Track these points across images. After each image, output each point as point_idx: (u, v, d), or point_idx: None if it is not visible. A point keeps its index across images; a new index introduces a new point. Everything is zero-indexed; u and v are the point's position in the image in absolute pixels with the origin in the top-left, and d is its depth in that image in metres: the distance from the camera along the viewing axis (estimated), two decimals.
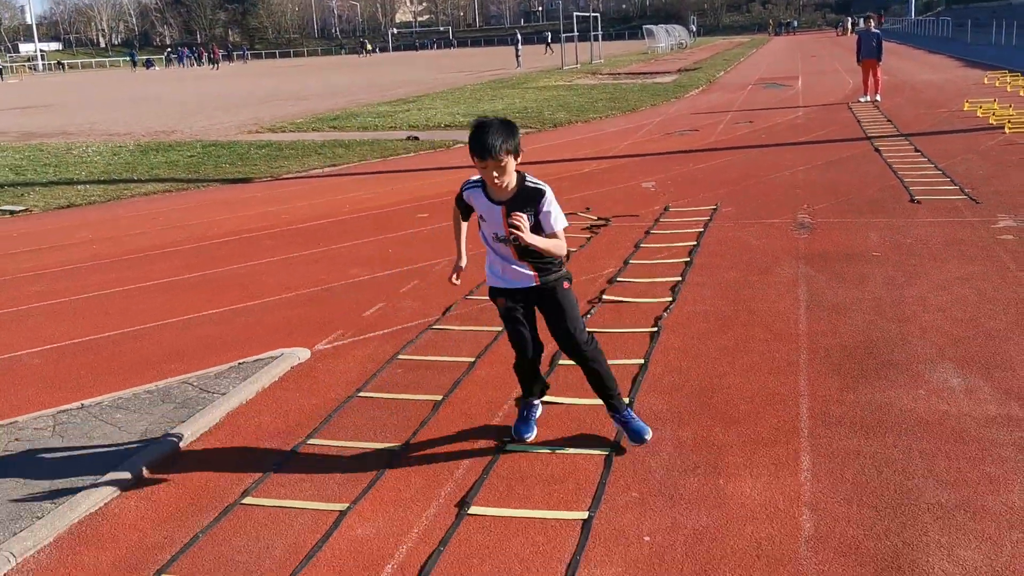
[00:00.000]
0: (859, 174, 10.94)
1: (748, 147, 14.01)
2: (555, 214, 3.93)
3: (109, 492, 3.97)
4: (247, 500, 3.92)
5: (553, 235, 3.95)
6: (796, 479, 3.85)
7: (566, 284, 4.11)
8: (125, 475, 4.10)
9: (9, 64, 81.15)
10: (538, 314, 4.20)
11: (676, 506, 3.69)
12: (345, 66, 65.36)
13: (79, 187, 13.35)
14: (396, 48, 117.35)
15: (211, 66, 78.63)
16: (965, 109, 17.13)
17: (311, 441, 4.46)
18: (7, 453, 4.39)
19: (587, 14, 48.59)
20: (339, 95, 32.12)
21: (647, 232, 8.50)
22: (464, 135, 17.14)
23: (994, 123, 14.81)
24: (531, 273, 4.02)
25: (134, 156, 16.65)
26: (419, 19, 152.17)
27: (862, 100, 19.69)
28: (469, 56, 73.83)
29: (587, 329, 4.19)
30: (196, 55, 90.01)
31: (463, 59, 66.12)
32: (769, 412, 4.50)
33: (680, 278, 6.88)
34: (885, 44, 19.90)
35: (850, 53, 20.57)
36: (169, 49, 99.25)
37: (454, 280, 4.29)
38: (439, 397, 4.89)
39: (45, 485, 4.05)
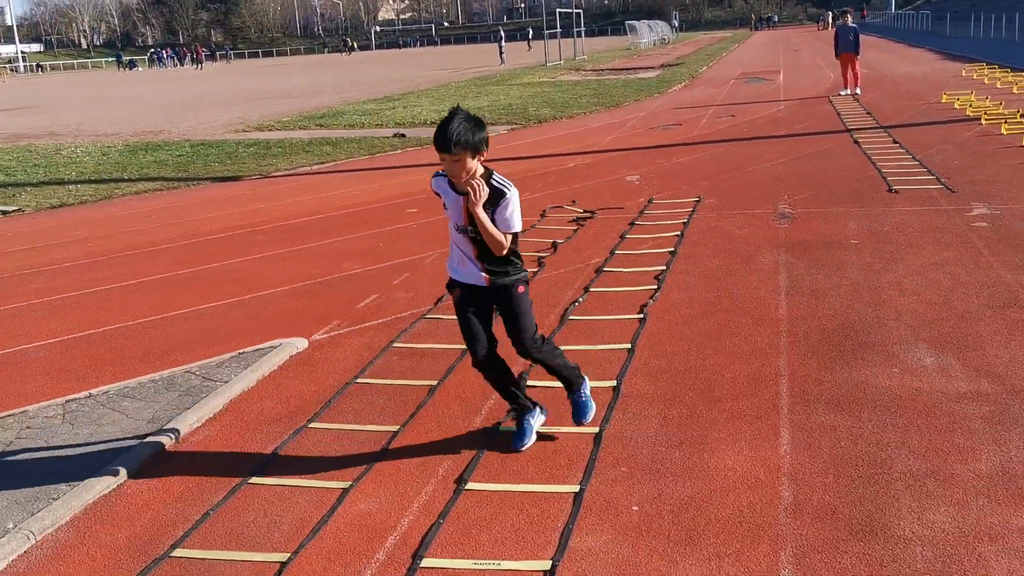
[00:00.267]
0: (838, 166, 11.19)
1: (730, 140, 14.25)
2: (511, 216, 3.92)
3: (121, 474, 4.14)
4: (253, 480, 4.10)
5: (504, 233, 3.93)
6: (776, 452, 4.06)
7: (521, 288, 4.10)
8: (135, 459, 4.27)
9: None
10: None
11: (663, 479, 3.90)
12: (329, 64, 65.33)
13: (70, 187, 13.46)
14: (379, 46, 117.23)
15: (195, 66, 78.37)
16: (943, 101, 17.43)
17: (312, 425, 4.64)
18: (20, 439, 4.56)
19: (570, 10, 48.72)
20: (324, 93, 32.20)
21: (632, 224, 8.71)
22: None
23: (971, 115, 15.10)
24: (482, 274, 4.03)
25: (123, 156, 16.74)
26: (402, 17, 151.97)
27: (842, 93, 19.98)
28: (453, 53, 73.91)
29: (539, 333, 4.19)
30: (179, 55, 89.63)
31: (447, 56, 66.20)
32: (751, 392, 4.72)
33: (665, 267, 7.09)
34: (865, 38, 20.26)
35: (831, 47, 20.83)
36: (152, 50, 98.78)
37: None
38: (434, 382, 5.08)
39: (59, 469, 4.22)
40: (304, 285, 7.30)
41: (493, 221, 3.90)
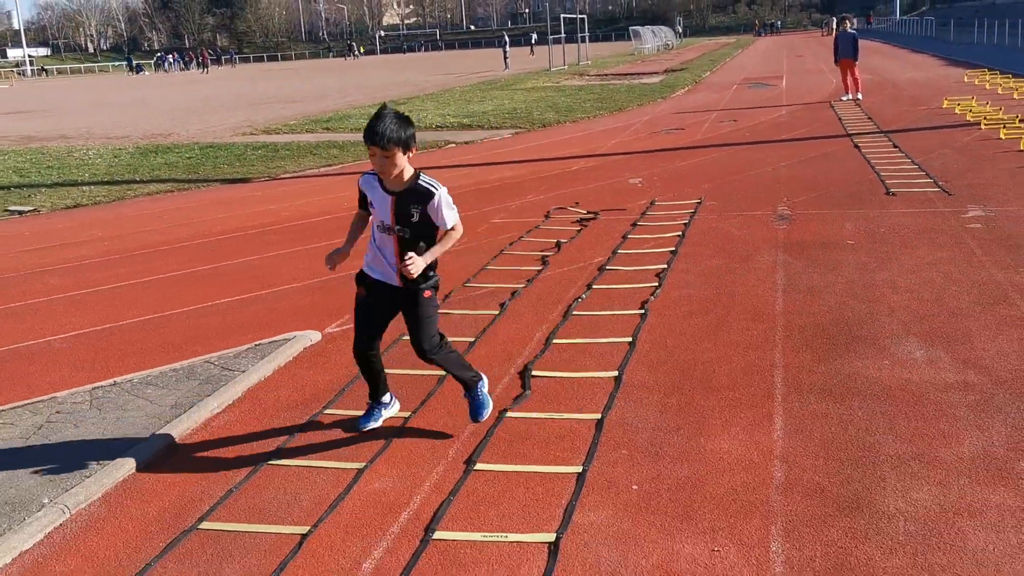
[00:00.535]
0: (838, 169, 11.40)
1: (732, 145, 14.47)
2: (445, 214, 4.07)
3: (148, 455, 4.37)
4: (273, 461, 4.32)
5: (446, 232, 4.15)
6: (769, 437, 4.27)
7: (427, 292, 4.22)
8: (161, 441, 4.50)
9: None
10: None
11: (661, 461, 4.11)
12: (334, 69, 65.69)
13: (84, 188, 13.71)
14: (384, 51, 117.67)
15: (200, 70, 78.79)
16: (944, 106, 17.64)
17: (327, 411, 4.86)
18: (51, 423, 4.78)
19: (574, 16, 49.05)
20: (329, 97, 32.48)
21: (634, 224, 8.93)
22: (456, 136, 17.69)
23: (971, 120, 15.30)
24: (396, 275, 4.16)
25: (134, 158, 17.01)
26: (406, 21, 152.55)
27: (844, 99, 20.19)
28: (457, 58, 74.25)
29: (438, 336, 4.33)
30: (185, 59, 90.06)
31: (451, 61, 66.52)
32: (746, 382, 4.93)
33: (666, 266, 7.30)
34: (868, 44, 20.59)
35: (833, 53, 21.01)
36: (160, 54, 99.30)
37: (331, 265, 4.29)
38: (442, 372, 5.29)
39: (89, 449, 4.44)
40: (316, 282, 7.53)
41: (427, 219, 4.06)
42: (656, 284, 6.79)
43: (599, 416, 4.58)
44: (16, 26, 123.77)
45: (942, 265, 6.89)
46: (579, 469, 4.06)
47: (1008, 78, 22.32)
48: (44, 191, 13.62)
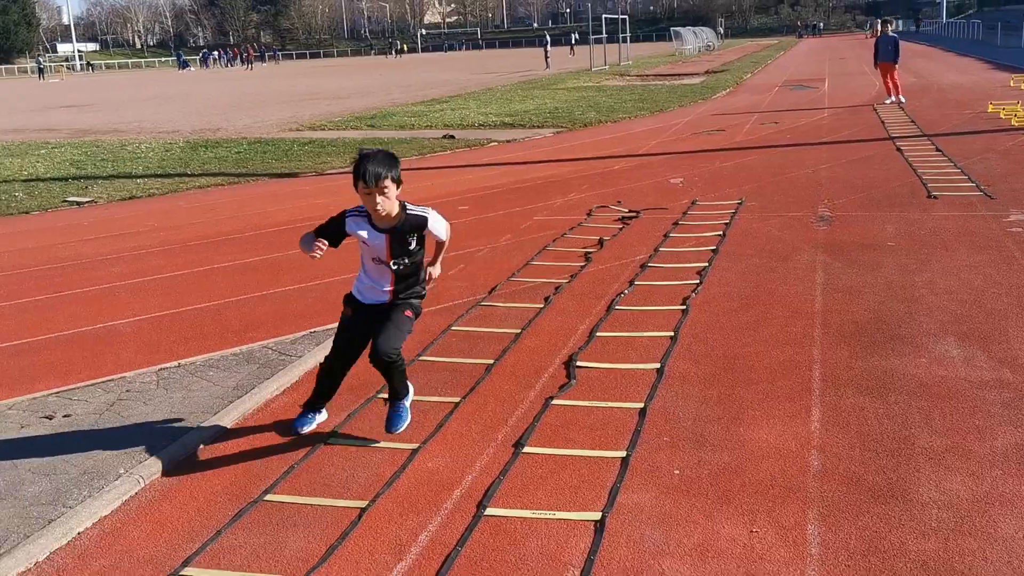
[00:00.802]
0: (880, 172, 11.45)
1: (773, 147, 14.53)
2: (441, 230, 4.33)
3: (214, 432, 4.63)
4: (331, 440, 4.56)
5: (442, 243, 4.45)
6: (807, 428, 4.43)
7: (408, 312, 4.33)
8: (226, 419, 4.76)
9: (48, 64, 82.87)
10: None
11: (702, 448, 4.29)
12: (376, 67, 66.30)
13: (138, 180, 14.13)
14: (424, 49, 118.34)
15: (245, 66, 79.87)
16: (989, 111, 17.53)
17: (380, 395, 5.09)
18: (122, 400, 5.06)
19: (615, 16, 49.06)
20: (372, 95, 32.88)
21: (675, 223, 9.08)
22: (498, 134, 17.94)
23: (1016, 124, 15.22)
24: (388, 295, 4.31)
25: (185, 152, 17.45)
26: (447, 20, 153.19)
27: (887, 102, 20.12)
28: (498, 57, 74.55)
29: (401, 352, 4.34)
30: (229, 56, 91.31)
31: (492, 60, 66.83)
32: (785, 376, 5.08)
33: (707, 264, 7.45)
34: (914, 47, 20.60)
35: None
36: (204, 50, 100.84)
37: (317, 253, 4.27)
38: (491, 361, 5.51)
39: (159, 425, 4.71)
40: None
41: (422, 243, 4.27)
42: (697, 281, 6.95)
43: (642, 405, 4.76)
44: (66, 21, 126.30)
45: (982, 268, 6.97)
46: (623, 454, 4.25)
47: None
48: (100, 183, 14.05)
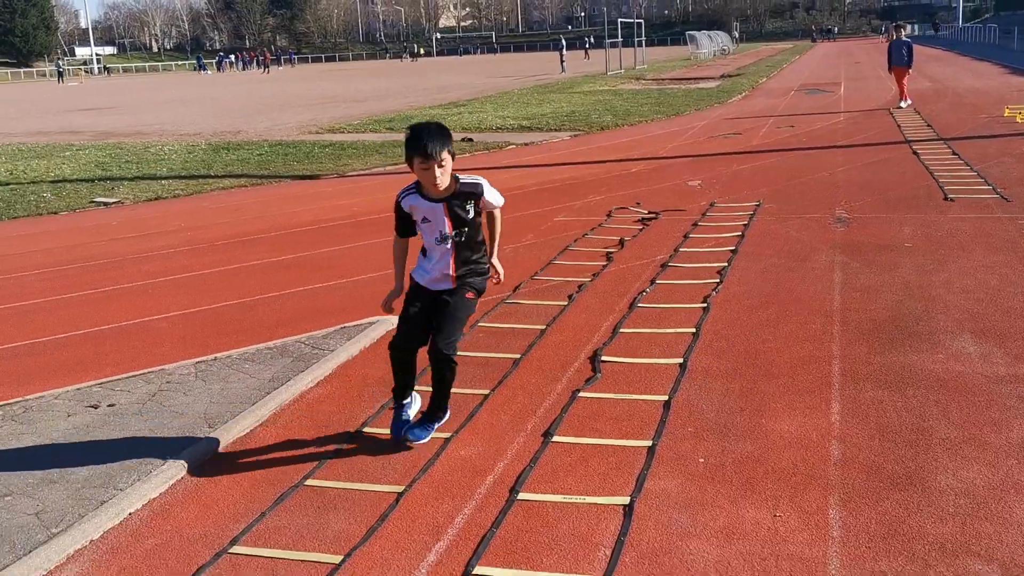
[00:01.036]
0: (896, 175, 11.56)
1: (790, 150, 14.65)
2: (494, 198, 4.34)
3: (253, 420, 4.81)
4: (367, 429, 4.73)
5: (495, 215, 4.44)
6: (827, 420, 4.57)
7: (470, 294, 4.32)
8: (263, 410, 4.93)
9: (67, 68, 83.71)
10: None
11: (726, 438, 4.43)
12: (392, 70, 66.65)
13: (163, 181, 14.38)
14: (439, 53, 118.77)
15: (262, 70, 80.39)
16: (1005, 115, 17.59)
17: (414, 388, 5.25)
18: (163, 391, 5.25)
19: (630, 20, 49.21)
20: (390, 98, 33.14)
21: (694, 224, 9.22)
22: (516, 137, 18.14)
23: None
24: (452, 280, 4.32)
25: (208, 154, 17.71)
26: (462, 24, 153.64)
27: (903, 105, 20.20)
28: (513, 61, 74.79)
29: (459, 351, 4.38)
30: (246, 60, 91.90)
31: (507, 64, 67.08)
32: (805, 371, 5.22)
33: (726, 264, 7.59)
34: (931, 51, 20.78)
35: None
36: (220, 54, 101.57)
37: (388, 309, 4.48)
38: (518, 356, 5.67)
39: (201, 414, 4.89)
40: (392, 272, 7.93)
41: (478, 214, 4.28)
42: (717, 280, 7.09)
43: (667, 397, 4.91)
44: (84, 25, 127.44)
45: (998, 268, 7.09)
46: (649, 443, 4.40)
47: None
48: (126, 184, 14.31)
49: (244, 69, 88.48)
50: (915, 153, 13.30)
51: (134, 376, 5.54)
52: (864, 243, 8.08)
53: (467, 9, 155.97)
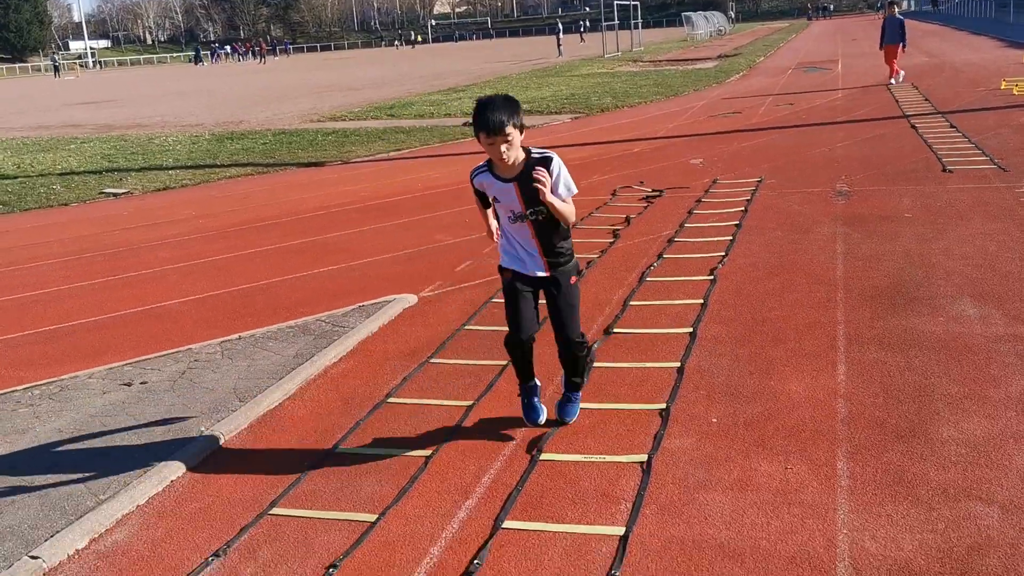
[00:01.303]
0: (895, 148, 11.72)
1: (789, 127, 14.80)
2: (564, 179, 3.98)
3: (282, 395, 5.00)
4: (392, 399, 4.92)
5: (569, 199, 4.05)
6: (833, 380, 4.76)
7: (573, 279, 4.18)
8: (290, 385, 5.13)
9: (62, 62, 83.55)
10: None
11: (737, 399, 4.63)
12: (388, 58, 66.60)
13: (169, 172, 14.55)
14: (435, 39, 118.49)
15: (257, 60, 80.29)
16: (1002, 88, 17.72)
17: (433, 360, 5.45)
18: (192, 369, 5.45)
19: (626, 2, 49.13)
20: (388, 85, 33.22)
21: (698, 201, 9.39)
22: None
23: None
24: (542, 261, 4.10)
25: (211, 144, 17.86)
26: (457, 10, 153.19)
27: (894, 82, 20.30)
28: (509, 46, 74.69)
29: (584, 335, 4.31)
30: (242, 51, 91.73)
31: (504, 49, 67.01)
32: (810, 336, 5.41)
33: (731, 237, 7.77)
34: (927, 27, 20.81)
35: None
36: (216, 45, 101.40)
37: (495, 238, 4.24)
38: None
39: (230, 390, 5.09)
40: (404, 253, 8.14)
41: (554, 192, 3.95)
42: (723, 253, 7.28)
43: (679, 364, 5.11)
44: (77, 18, 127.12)
45: (996, 235, 7.27)
46: (663, 406, 4.59)
47: None
48: (133, 175, 14.47)
49: (240, 60, 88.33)
50: (913, 127, 13.45)
51: (162, 356, 5.74)
52: (865, 215, 8.26)
53: None
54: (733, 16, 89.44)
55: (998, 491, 3.59)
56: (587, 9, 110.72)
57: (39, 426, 4.76)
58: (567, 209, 4.03)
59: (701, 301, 6.16)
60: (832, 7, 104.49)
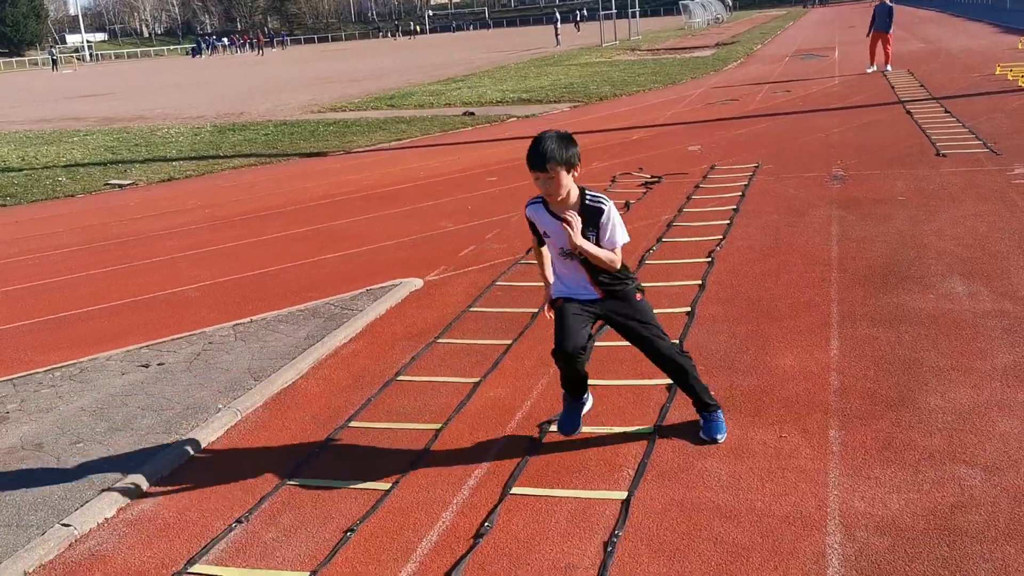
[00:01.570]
0: (890, 134, 11.89)
1: (786, 113, 14.96)
2: (613, 230, 3.87)
3: (295, 374, 5.19)
4: (401, 377, 5.11)
5: (611, 249, 3.89)
6: (827, 355, 4.95)
7: (639, 295, 4.05)
8: (302, 364, 5.31)
9: (59, 55, 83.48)
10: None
11: (734, 373, 4.81)
12: (386, 49, 66.61)
13: (173, 163, 14.71)
14: (432, 30, 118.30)
15: (255, 52, 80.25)
16: (997, 73, 17.87)
17: (440, 340, 5.63)
18: (207, 351, 5.63)
19: None
20: (387, 76, 33.33)
21: (696, 186, 9.57)
22: (516, 110, 18.39)
23: (1022, 85, 15.57)
24: (595, 289, 3.99)
25: (214, 136, 18.01)
26: (454, 0, 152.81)
27: (870, 70, 20.34)
28: (507, 36, 74.68)
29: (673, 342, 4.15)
30: (240, 42, 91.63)
31: (502, 39, 67.01)
32: (805, 313, 5.59)
33: (728, 221, 7.95)
34: (924, 13, 20.77)
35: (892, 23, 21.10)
36: (213, 37, 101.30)
37: (547, 314, 4.14)
38: (535, 309, 6.03)
39: (246, 369, 5.27)
40: (409, 240, 8.32)
41: (598, 242, 3.85)
42: (721, 236, 7.45)
43: (677, 341, 5.28)
44: (73, 12, 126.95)
45: (986, 216, 7.45)
46: (668, 381, 4.77)
47: None
48: (137, 166, 14.63)
49: (238, 52, 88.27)
50: (908, 112, 13.61)
51: (177, 339, 5.92)
52: (859, 198, 8.43)
53: None
54: (730, 4, 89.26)
55: (981, 455, 3.78)
56: None
57: (62, 405, 4.95)
58: (604, 255, 3.86)
59: (699, 282, 6.34)
60: None
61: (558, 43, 47.74)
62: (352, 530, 3.62)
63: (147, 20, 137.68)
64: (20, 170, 15.07)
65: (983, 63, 20.27)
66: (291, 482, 4.05)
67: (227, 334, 5.95)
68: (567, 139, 3.85)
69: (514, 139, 14.56)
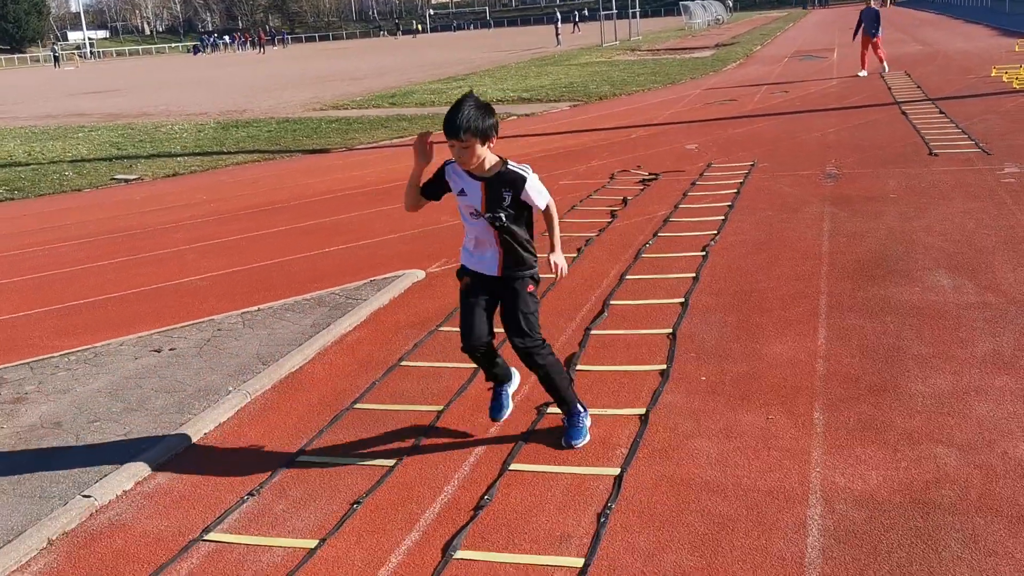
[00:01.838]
0: (885, 134, 12.08)
1: (783, 113, 15.15)
2: (538, 195, 3.97)
3: (301, 359, 5.38)
4: (404, 362, 5.30)
5: (545, 213, 4.05)
6: (814, 343, 5.14)
7: (531, 286, 4.09)
8: (309, 351, 5.50)
9: (61, 52, 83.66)
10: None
11: (725, 361, 5.00)
12: (387, 48, 66.80)
13: (178, 158, 14.89)
14: (433, 29, 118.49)
15: (256, 50, 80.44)
16: (992, 75, 18.07)
17: (442, 328, 5.83)
18: (216, 337, 5.82)
19: None
20: (389, 75, 33.52)
21: (692, 184, 9.76)
22: (516, 109, 18.55)
23: (1018, 87, 15.78)
24: (498, 260, 4.03)
25: (218, 132, 18.20)
26: (455, 0, 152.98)
27: (860, 75, 20.47)
28: (507, 35, 74.87)
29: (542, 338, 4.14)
30: (241, 41, 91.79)
31: (502, 38, 67.20)
32: (795, 305, 5.79)
33: (723, 217, 8.14)
34: (919, 15, 20.87)
35: (890, 25, 21.33)
36: (215, 35, 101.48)
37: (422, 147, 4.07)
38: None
39: (254, 355, 5.47)
40: (411, 233, 8.51)
41: (522, 204, 3.95)
42: (715, 231, 7.65)
43: (671, 330, 5.48)
44: (75, 9, 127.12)
45: (975, 213, 7.64)
46: (663, 367, 4.96)
47: None
48: (143, 162, 14.82)
49: (239, 50, 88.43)
50: (904, 113, 13.81)
51: (187, 326, 6.11)
52: (852, 195, 8.63)
53: None
54: (731, 5, 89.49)
55: (958, 435, 3.97)
56: None
57: (79, 387, 5.14)
58: (557, 228, 4.16)
59: (693, 275, 6.53)
60: None
61: (559, 43, 47.93)
62: (359, 502, 3.81)
63: (148, 18, 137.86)
64: (27, 164, 15.26)
65: (980, 65, 20.47)
66: (300, 459, 4.24)
67: (235, 322, 6.14)
68: (486, 108, 3.83)
69: (514, 137, 14.75)
